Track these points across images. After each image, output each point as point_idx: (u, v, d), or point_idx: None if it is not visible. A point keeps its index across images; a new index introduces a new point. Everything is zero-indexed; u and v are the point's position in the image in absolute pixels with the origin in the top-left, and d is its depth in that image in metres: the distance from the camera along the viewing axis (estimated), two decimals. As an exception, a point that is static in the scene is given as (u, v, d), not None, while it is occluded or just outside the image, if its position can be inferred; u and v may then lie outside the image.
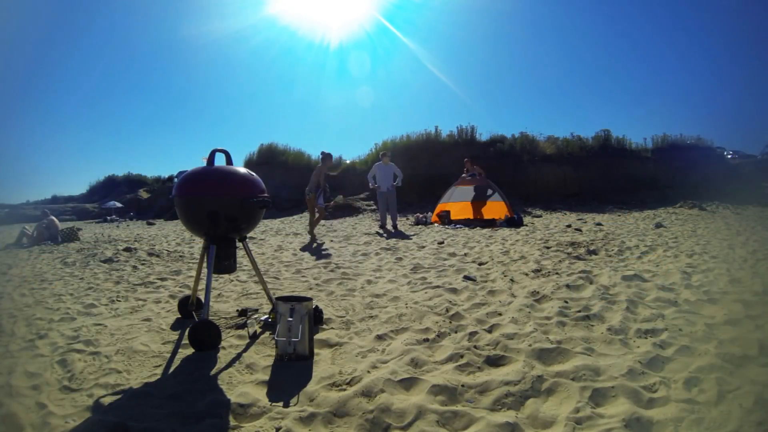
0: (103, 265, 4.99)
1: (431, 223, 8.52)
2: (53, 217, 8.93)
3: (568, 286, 2.94)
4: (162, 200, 21.81)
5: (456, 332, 2.25)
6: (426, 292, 3.07)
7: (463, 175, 9.38)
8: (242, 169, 2.55)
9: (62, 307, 3.10)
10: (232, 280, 3.78)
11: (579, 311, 2.43)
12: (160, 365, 2.01)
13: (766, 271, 3.55)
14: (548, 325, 2.23)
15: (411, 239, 6.60)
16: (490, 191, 9.10)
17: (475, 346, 2.04)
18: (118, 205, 22.33)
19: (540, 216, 11.51)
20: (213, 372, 1.90)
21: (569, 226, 8.00)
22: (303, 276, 3.92)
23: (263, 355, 2.08)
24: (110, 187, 28.32)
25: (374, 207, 14.51)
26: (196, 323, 2.18)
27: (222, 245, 2.39)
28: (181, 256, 5.55)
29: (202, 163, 2.54)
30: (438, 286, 3.20)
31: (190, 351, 2.14)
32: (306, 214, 14.18)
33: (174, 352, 2.16)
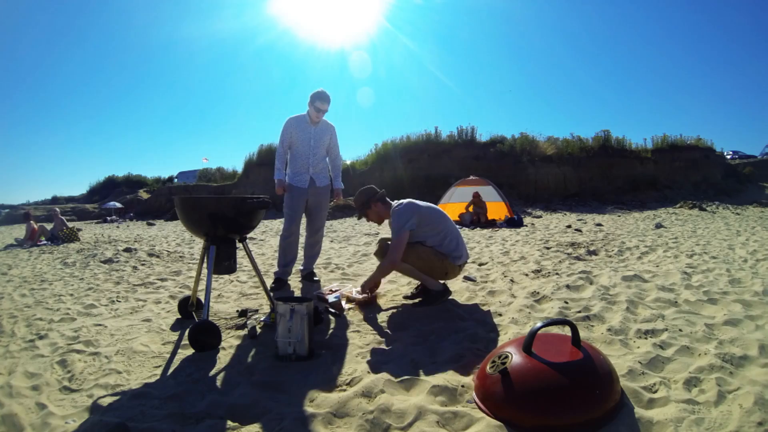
0: (103, 266, 4.99)
1: None
2: (62, 218, 8.99)
3: (568, 286, 2.94)
4: (162, 201, 21.81)
5: (456, 333, 2.25)
6: (426, 293, 3.07)
7: (470, 204, 9.17)
8: None
9: (62, 308, 3.10)
10: (232, 281, 3.78)
11: (579, 311, 2.43)
12: (160, 366, 2.01)
13: (766, 271, 3.55)
14: (548, 326, 2.23)
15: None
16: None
17: (476, 347, 2.04)
18: (118, 205, 22.33)
19: (540, 216, 11.51)
20: (213, 372, 1.90)
21: (569, 226, 8.00)
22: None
23: (263, 356, 2.08)
24: (110, 187, 28.31)
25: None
26: (196, 324, 2.18)
27: (222, 246, 2.39)
28: (181, 257, 5.55)
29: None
30: (438, 287, 3.20)
31: (190, 351, 2.14)
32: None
33: (174, 353, 2.16)
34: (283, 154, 3.54)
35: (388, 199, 2.90)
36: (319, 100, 3.37)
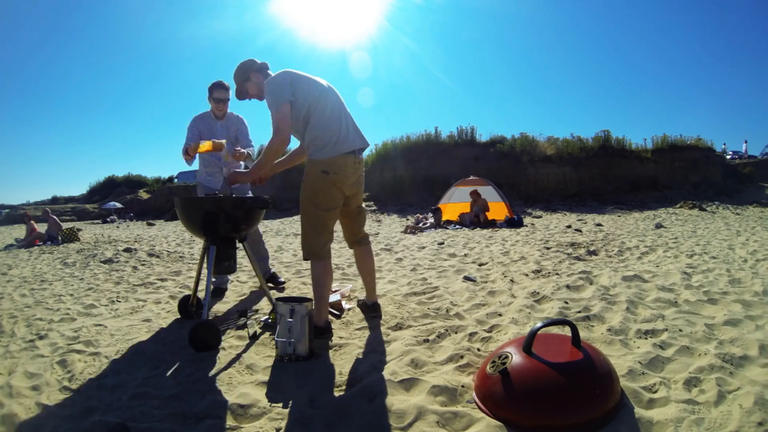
0: (103, 266, 4.99)
1: (429, 228, 8.44)
2: (55, 217, 8.94)
3: (568, 286, 2.94)
4: (162, 201, 21.81)
5: (456, 333, 2.25)
6: (426, 293, 3.08)
7: (472, 204, 9.19)
8: None
9: (62, 308, 3.10)
10: (232, 281, 3.78)
11: (579, 312, 2.43)
12: (160, 366, 2.01)
13: (766, 271, 3.55)
14: (548, 326, 2.23)
15: (411, 240, 6.60)
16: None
17: (476, 347, 2.04)
18: (118, 205, 22.34)
19: (540, 217, 11.51)
20: (213, 372, 1.90)
21: (569, 226, 8.00)
22: (303, 277, 3.92)
23: (263, 356, 2.08)
24: (110, 187, 28.30)
25: (374, 207, 14.51)
26: (196, 324, 2.18)
27: (222, 246, 2.39)
28: (181, 257, 5.55)
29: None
30: (438, 287, 3.21)
31: (190, 352, 2.14)
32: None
33: (174, 353, 2.16)
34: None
35: (269, 72, 2.42)
36: (216, 89, 3.13)
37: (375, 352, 2.07)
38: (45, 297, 3.51)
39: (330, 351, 2.12)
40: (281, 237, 7.91)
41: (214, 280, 3.31)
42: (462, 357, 1.91)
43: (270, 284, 3.39)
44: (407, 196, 14.62)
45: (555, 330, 2.05)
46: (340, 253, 5.37)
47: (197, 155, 3.14)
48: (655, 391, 1.57)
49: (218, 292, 3.28)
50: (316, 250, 2.24)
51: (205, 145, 2.67)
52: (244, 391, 1.71)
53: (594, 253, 4.59)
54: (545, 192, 14.82)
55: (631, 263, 4.02)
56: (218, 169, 3.23)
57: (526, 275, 3.50)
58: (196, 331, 2.14)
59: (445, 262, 4.33)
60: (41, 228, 8.91)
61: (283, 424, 1.48)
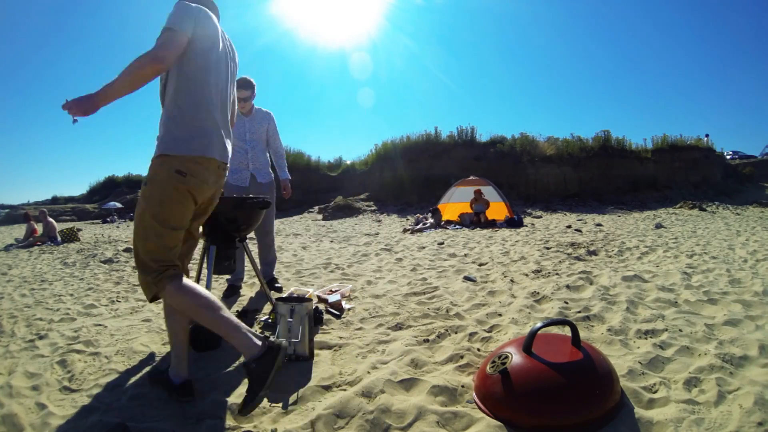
0: (103, 266, 4.99)
1: (430, 228, 8.45)
2: (51, 219, 8.91)
3: (568, 286, 2.95)
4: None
5: (456, 333, 2.25)
6: (426, 293, 3.08)
7: (472, 202, 9.28)
8: None
9: (62, 308, 3.10)
10: (232, 281, 3.77)
11: (579, 312, 2.43)
12: (160, 366, 2.01)
13: (766, 271, 3.55)
14: (548, 326, 2.23)
15: (411, 240, 6.60)
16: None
17: (476, 347, 2.04)
18: (119, 205, 22.33)
19: (540, 217, 11.50)
20: (213, 372, 1.91)
21: (569, 226, 8.00)
22: (303, 277, 3.92)
23: (263, 356, 2.08)
24: (110, 187, 28.29)
25: (374, 207, 14.52)
26: (196, 324, 2.17)
27: (222, 246, 2.39)
28: (181, 257, 5.54)
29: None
30: (438, 287, 3.21)
31: (190, 352, 2.13)
32: (306, 215, 14.19)
33: (174, 353, 2.16)
34: None
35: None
36: (237, 89, 2.86)
37: (375, 352, 2.07)
38: (45, 297, 3.51)
39: (330, 351, 2.12)
40: (281, 237, 7.91)
41: (228, 277, 3.35)
42: (462, 357, 1.92)
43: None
44: (407, 196, 14.62)
45: (555, 330, 2.06)
46: (340, 253, 5.37)
47: None
48: (655, 391, 1.57)
49: (233, 290, 3.26)
50: (159, 278, 1.53)
51: None
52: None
53: (594, 253, 4.59)
54: (545, 192, 14.81)
55: (631, 263, 4.02)
56: (244, 165, 3.16)
57: (526, 275, 3.50)
58: (196, 331, 2.14)
59: (445, 262, 4.33)
60: (41, 228, 8.90)
61: (283, 424, 1.48)
